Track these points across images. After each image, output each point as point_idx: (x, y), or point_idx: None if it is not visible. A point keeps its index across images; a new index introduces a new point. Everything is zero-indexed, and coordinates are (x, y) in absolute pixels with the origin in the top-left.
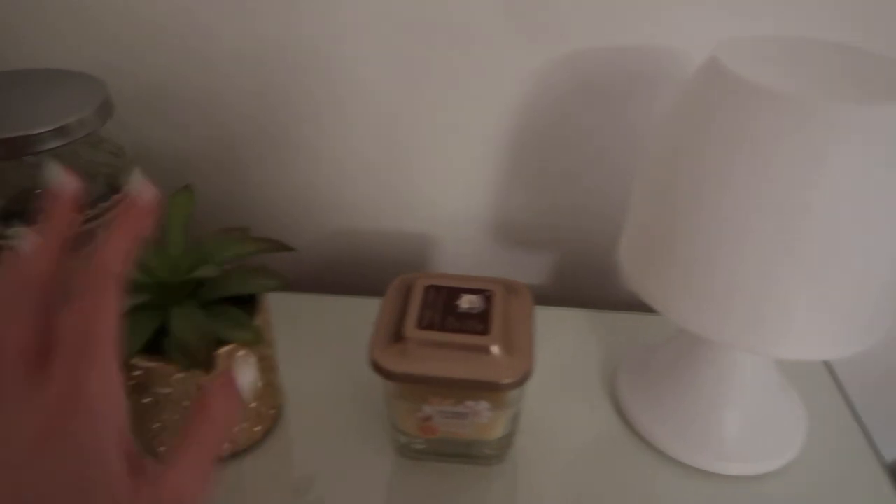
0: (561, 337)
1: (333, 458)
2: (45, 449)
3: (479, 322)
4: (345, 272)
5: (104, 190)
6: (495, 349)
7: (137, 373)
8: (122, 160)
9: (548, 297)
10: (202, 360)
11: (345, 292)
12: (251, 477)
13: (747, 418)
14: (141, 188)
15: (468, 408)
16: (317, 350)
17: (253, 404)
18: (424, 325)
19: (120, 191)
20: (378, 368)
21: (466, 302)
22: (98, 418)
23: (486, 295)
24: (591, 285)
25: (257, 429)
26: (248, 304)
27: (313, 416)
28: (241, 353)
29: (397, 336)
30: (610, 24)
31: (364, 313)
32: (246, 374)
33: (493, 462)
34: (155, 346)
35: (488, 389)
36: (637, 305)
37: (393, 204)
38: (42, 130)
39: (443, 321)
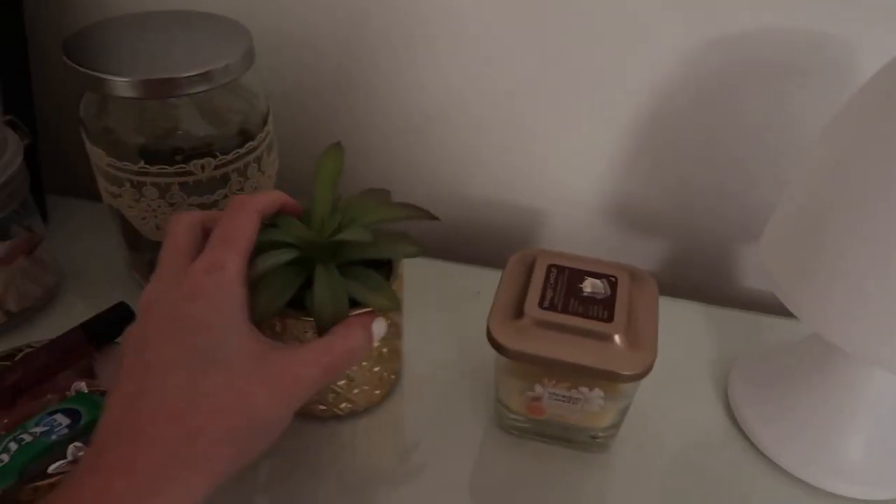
0: (672, 328)
1: (439, 427)
2: (191, 300)
3: (603, 308)
4: (449, 239)
5: (237, 136)
6: (618, 338)
7: (277, 326)
8: (256, 107)
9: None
10: (335, 321)
11: (447, 258)
12: (363, 438)
13: (877, 438)
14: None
15: (581, 394)
16: (426, 317)
17: (376, 368)
18: (546, 304)
19: (253, 137)
20: (494, 343)
21: (590, 286)
22: (228, 283)
23: (610, 280)
24: (703, 277)
25: (377, 392)
26: (380, 268)
27: (426, 383)
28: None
29: (517, 313)
30: (770, 11)
31: (473, 282)
32: (380, 327)
33: (594, 449)
34: (299, 301)
35: (607, 378)
36: (753, 305)
37: (506, 175)
38: (189, 74)
39: (565, 303)
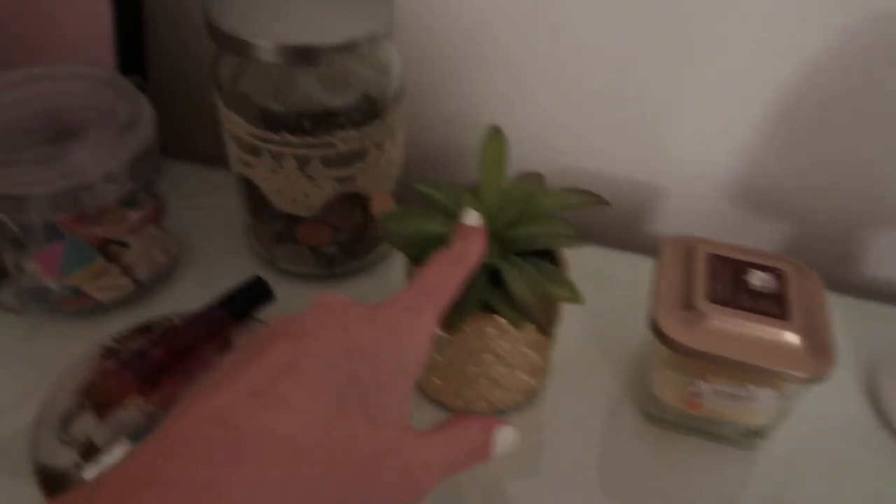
0: None
1: (582, 416)
2: (376, 324)
3: (776, 304)
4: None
5: (374, 107)
6: (795, 338)
7: (468, 330)
8: (392, 77)
9: None
10: (543, 317)
11: None
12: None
13: None
14: (471, 220)
15: (748, 391)
16: None
17: (525, 376)
18: (716, 298)
19: (388, 109)
20: (662, 337)
21: (758, 279)
22: (421, 330)
23: (777, 274)
24: (829, 264)
25: (533, 383)
26: (541, 257)
27: (569, 369)
28: None
29: (686, 306)
30: None
31: (597, 263)
32: (507, 437)
33: (743, 446)
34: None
35: (781, 379)
36: (878, 295)
37: (627, 149)
38: (333, 43)
39: (735, 297)
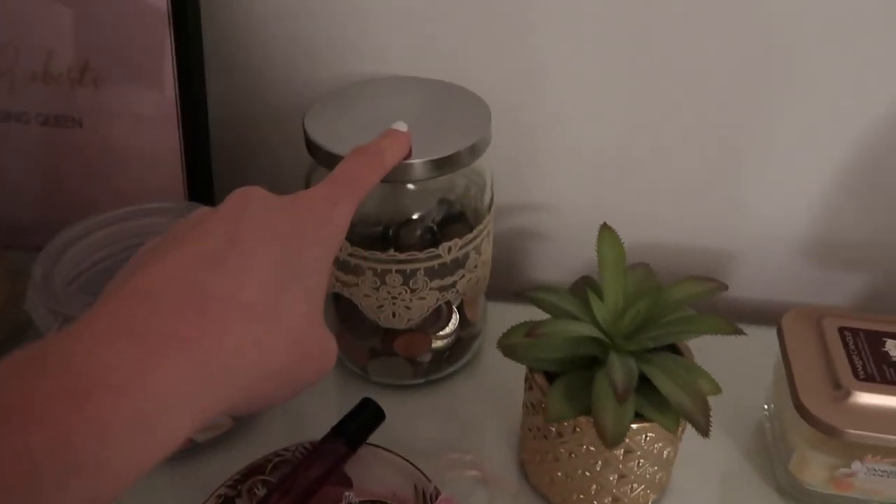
0: None
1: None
2: (299, 213)
3: None
4: None
5: (464, 213)
6: None
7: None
8: (483, 185)
9: None
10: (702, 417)
11: None
12: None
13: None
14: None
15: None
16: None
17: (654, 468)
18: (861, 374)
19: (480, 217)
20: (814, 421)
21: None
22: (337, 220)
23: None
24: None
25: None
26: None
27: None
28: None
29: (833, 385)
30: None
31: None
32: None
33: None
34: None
35: None
36: None
37: (698, 216)
38: (436, 158)
39: (880, 371)
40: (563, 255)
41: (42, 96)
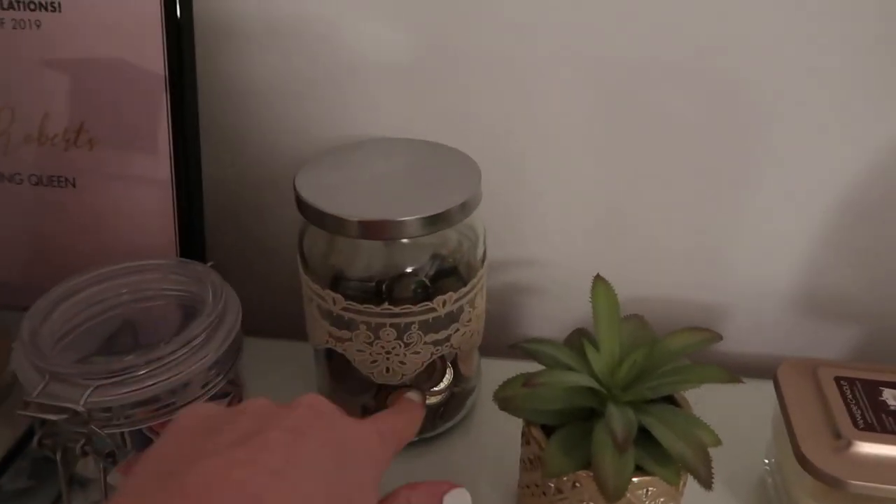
0: None
1: None
2: (354, 440)
3: None
4: None
5: (457, 268)
6: None
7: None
8: (476, 240)
9: None
10: (704, 469)
11: None
12: None
13: None
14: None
15: None
16: None
17: None
18: (863, 425)
19: (473, 271)
20: (816, 473)
21: (893, 398)
22: (376, 467)
23: None
24: None
25: None
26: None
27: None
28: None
29: (832, 434)
30: None
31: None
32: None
33: None
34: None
35: None
36: None
37: (687, 272)
38: (428, 216)
39: (880, 421)
40: (556, 309)
41: (36, 157)
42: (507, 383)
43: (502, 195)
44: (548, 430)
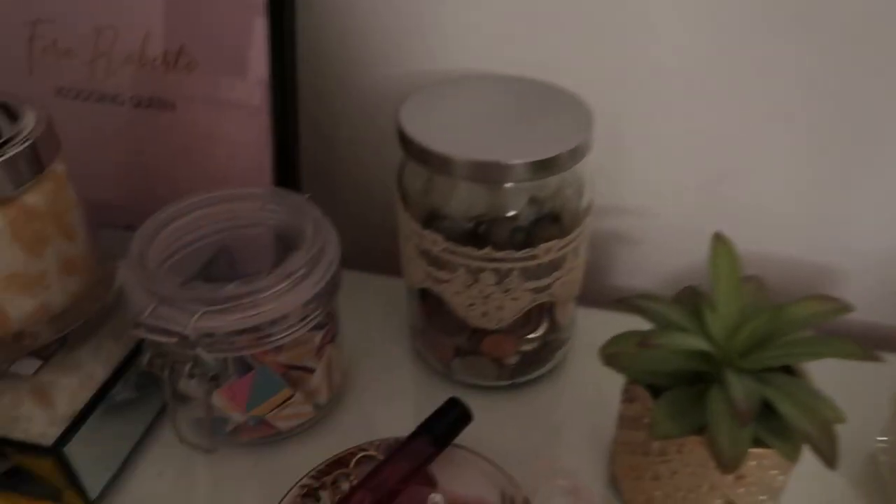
0: None
1: None
2: None
3: None
4: None
5: (562, 215)
6: None
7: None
8: (583, 186)
9: None
10: (828, 448)
11: None
12: None
13: None
14: None
15: None
16: None
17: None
18: None
19: (579, 218)
20: None
21: None
22: None
23: None
24: None
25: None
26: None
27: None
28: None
29: None
30: None
31: None
32: None
33: None
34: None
35: None
36: None
37: (801, 226)
38: (535, 160)
39: None
40: (652, 262)
41: (137, 79)
42: (616, 340)
43: (610, 139)
44: (652, 391)
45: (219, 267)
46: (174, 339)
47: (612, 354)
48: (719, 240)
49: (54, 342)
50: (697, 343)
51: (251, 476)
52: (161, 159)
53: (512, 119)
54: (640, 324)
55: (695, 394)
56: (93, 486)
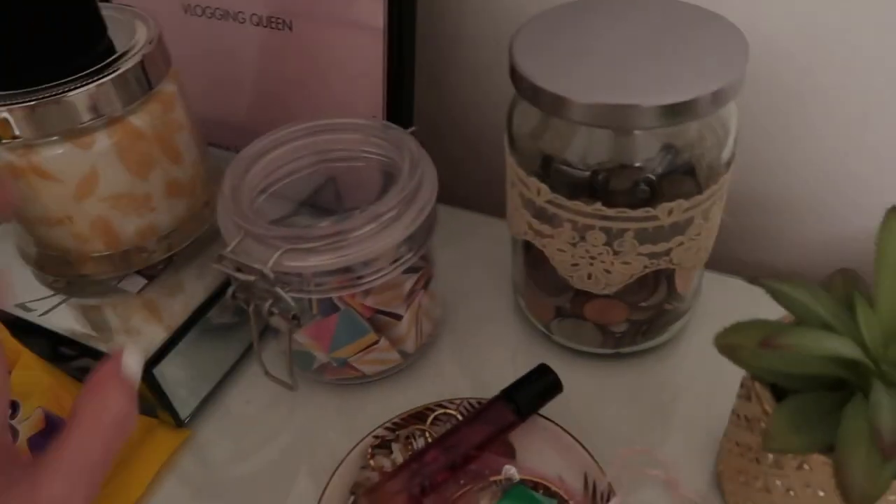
0: None
1: None
2: None
3: None
4: None
5: (693, 171)
6: None
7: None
8: (724, 139)
9: None
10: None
11: None
12: None
13: None
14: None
15: None
16: None
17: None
18: None
19: (714, 176)
20: None
21: None
22: None
23: None
24: None
25: None
26: None
27: None
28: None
29: None
30: None
31: None
32: (134, 357)
33: None
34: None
35: None
36: None
37: None
38: (666, 103)
39: None
40: (802, 233)
41: None
42: (737, 329)
43: (763, 82)
44: (777, 392)
45: (325, 197)
46: (252, 277)
47: (730, 346)
48: (893, 216)
49: (160, 262)
50: (843, 348)
51: (331, 415)
52: (276, 83)
53: (646, 50)
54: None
55: (828, 403)
56: (183, 408)
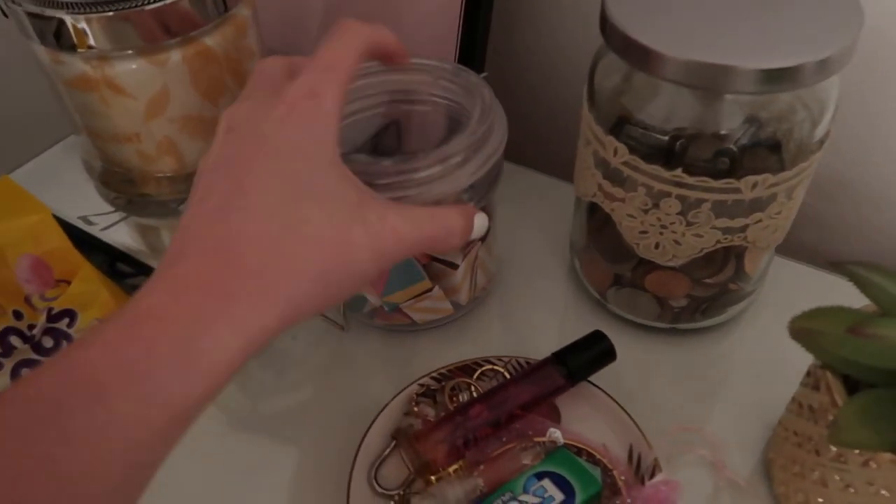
0: None
1: None
2: (286, 123)
3: None
4: None
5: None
6: None
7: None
8: (820, 114)
9: None
10: None
11: None
12: None
13: None
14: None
15: None
16: None
17: None
18: None
19: (804, 151)
20: None
21: None
22: (326, 115)
23: None
24: None
25: None
26: None
27: None
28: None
29: None
30: None
31: None
32: (481, 222)
33: None
34: None
35: None
36: None
37: None
38: (768, 67)
39: None
40: (880, 223)
41: None
42: (818, 314)
43: (872, 57)
44: (847, 383)
45: (387, 139)
46: None
47: (805, 331)
48: None
49: None
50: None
51: (378, 360)
52: (345, 16)
53: (748, 8)
54: (848, 295)
55: None
56: None
